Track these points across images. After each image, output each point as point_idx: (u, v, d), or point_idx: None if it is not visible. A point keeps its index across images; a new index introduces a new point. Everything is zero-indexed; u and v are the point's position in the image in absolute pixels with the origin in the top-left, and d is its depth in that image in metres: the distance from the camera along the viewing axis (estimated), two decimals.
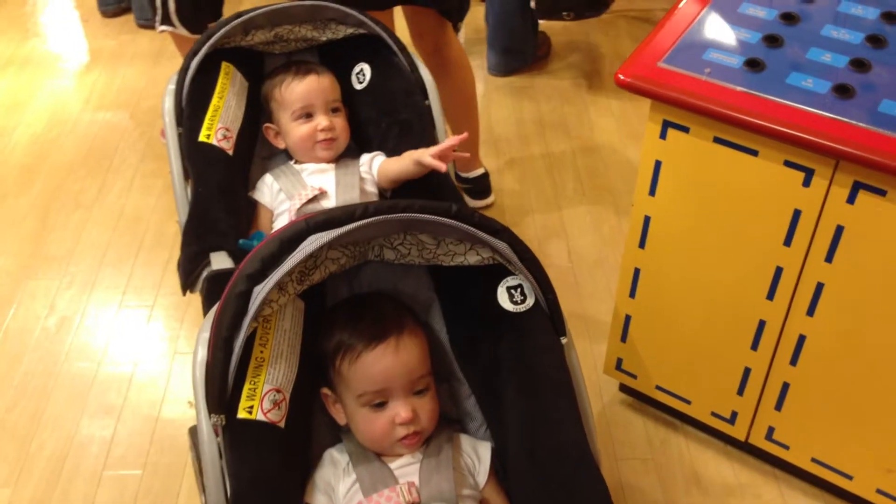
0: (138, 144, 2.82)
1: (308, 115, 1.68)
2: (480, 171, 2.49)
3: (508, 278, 1.19)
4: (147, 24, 3.41)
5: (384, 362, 1.18)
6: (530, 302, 1.19)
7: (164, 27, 2.36)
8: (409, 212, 1.08)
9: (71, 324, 2.19)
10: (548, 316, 1.20)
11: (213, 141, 1.56)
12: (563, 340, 1.19)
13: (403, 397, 1.19)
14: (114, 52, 3.33)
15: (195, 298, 1.50)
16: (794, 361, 1.62)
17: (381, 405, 1.19)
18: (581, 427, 1.12)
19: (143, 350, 2.13)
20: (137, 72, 3.20)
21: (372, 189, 1.64)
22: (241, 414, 1.06)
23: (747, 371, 1.69)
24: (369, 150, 1.69)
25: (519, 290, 1.19)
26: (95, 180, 2.67)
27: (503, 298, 1.19)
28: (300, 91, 1.67)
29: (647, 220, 1.65)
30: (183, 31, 2.35)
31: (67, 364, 2.09)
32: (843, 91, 1.39)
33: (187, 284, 1.42)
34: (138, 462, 1.86)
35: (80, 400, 2.00)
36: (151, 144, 2.82)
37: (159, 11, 2.34)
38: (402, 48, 1.71)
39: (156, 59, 3.27)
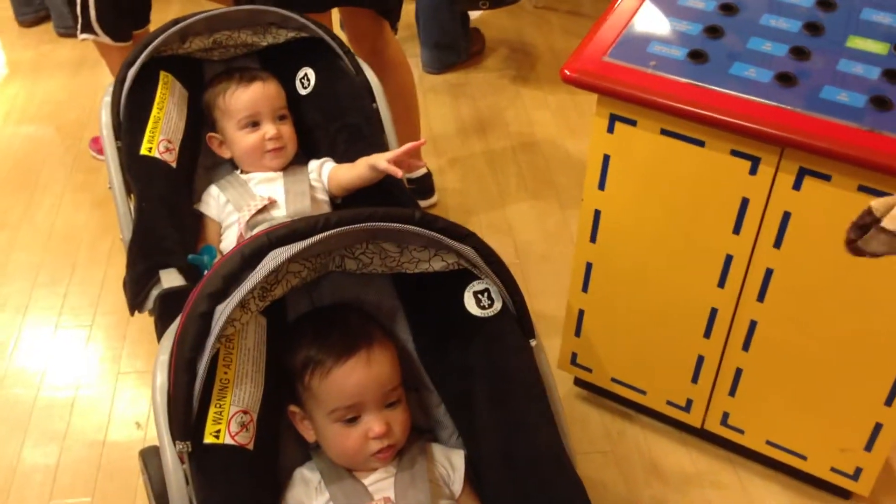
0: (65, 158, 2.72)
1: (255, 124, 1.63)
2: (423, 170, 2.47)
3: (475, 283, 1.18)
4: (67, 32, 3.29)
5: (356, 376, 1.15)
6: (498, 306, 1.17)
7: (85, 35, 2.27)
8: (372, 220, 1.06)
9: (5, 349, 2.10)
10: (516, 319, 1.18)
11: (156, 154, 1.50)
12: (533, 343, 1.18)
13: (376, 411, 1.16)
14: (34, 62, 3.21)
15: (136, 317, 1.45)
16: (746, 347, 1.64)
17: (353, 420, 1.17)
18: (555, 429, 1.12)
19: (84, 372, 2.05)
20: (60, 83, 3.09)
21: (323, 197, 1.61)
22: (208, 439, 1.02)
23: (701, 359, 1.71)
24: (317, 157, 1.66)
25: (486, 294, 1.17)
26: (21, 198, 2.56)
27: (470, 303, 1.17)
28: (246, 99, 1.62)
29: (597, 214, 1.66)
30: (105, 39, 2.27)
31: (4, 391, 2.00)
32: (785, 79, 1.41)
33: (136, 304, 1.37)
34: (86, 489, 1.79)
35: (21, 428, 1.92)
36: (79, 158, 2.72)
37: (80, 19, 2.25)
38: (347, 50, 1.67)
39: (78, 69, 3.16)
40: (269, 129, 1.62)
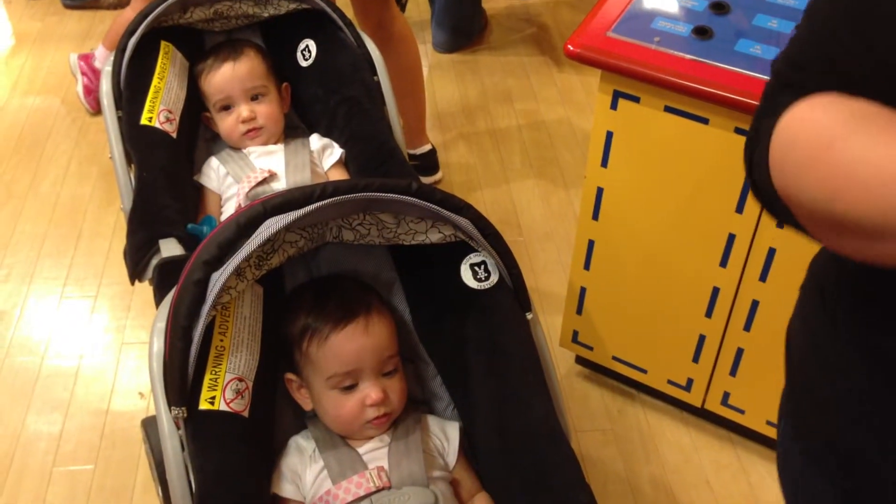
0: (71, 130, 2.73)
1: (228, 107, 1.64)
2: (427, 147, 2.47)
3: (471, 255, 1.17)
4: (74, 4, 3.28)
5: (355, 342, 1.15)
6: (494, 278, 1.17)
7: None
8: (368, 191, 1.05)
9: (10, 318, 2.12)
10: (512, 292, 1.18)
11: (156, 124, 1.50)
12: (529, 316, 1.17)
13: (373, 378, 1.17)
14: (40, 34, 3.20)
15: (140, 288, 1.45)
16: (747, 327, 1.64)
17: (350, 387, 1.17)
18: (550, 403, 1.12)
19: (88, 342, 2.07)
20: (66, 54, 3.06)
21: (322, 170, 1.61)
22: (203, 405, 1.03)
23: (702, 338, 1.70)
24: (318, 129, 1.65)
25: (483, 266, 1.17)
26: (28, 169, 2.57)
27: (467, 276, 1.17)
28: (216, 83, 1.63)
29: (599, 191, 1.65)
30: None
31: (9, 359, 2.01)
32: None
33: (135, 273, 1.38)
34: (90, 457, 1.81)
35: (25, 396, 1.93)
36: (84, 130, 2.72)
37: None
38: (348, 23, 1.66)
39: (84, 41, 3.15)
40: (241, 110, 1.62)
